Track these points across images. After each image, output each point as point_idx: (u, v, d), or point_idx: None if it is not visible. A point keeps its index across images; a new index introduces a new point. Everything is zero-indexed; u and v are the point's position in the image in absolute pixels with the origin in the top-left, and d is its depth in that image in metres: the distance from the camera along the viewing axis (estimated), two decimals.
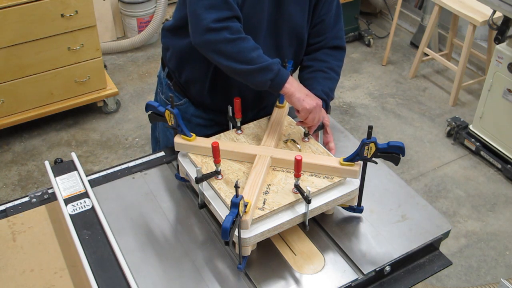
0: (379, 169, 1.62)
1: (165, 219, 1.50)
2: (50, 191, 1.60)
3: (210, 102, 1.76)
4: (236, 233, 1.27)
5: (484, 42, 3.90)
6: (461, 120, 3.41)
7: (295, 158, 1.33)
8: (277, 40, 1.66)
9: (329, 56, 1.74)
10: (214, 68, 1.64)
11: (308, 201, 1.35)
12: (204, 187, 1.46)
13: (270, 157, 1.50)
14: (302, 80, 1.73)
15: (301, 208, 1.40)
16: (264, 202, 1.38)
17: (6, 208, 1.56)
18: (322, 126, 1.63)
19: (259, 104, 1.80)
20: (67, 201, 1.53)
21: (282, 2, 1.59)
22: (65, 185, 1.59)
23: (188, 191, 1.59)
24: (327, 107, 1.67)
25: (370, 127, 1.33)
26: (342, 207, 1.51)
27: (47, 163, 1.67)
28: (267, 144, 1.55)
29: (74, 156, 1.69)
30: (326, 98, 1.64)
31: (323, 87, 1.66)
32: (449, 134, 3.46)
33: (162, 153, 1.74)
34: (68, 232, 1.44)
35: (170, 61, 1.76)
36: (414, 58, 4.04)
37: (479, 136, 3.26)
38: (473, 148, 3.29)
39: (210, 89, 1.71)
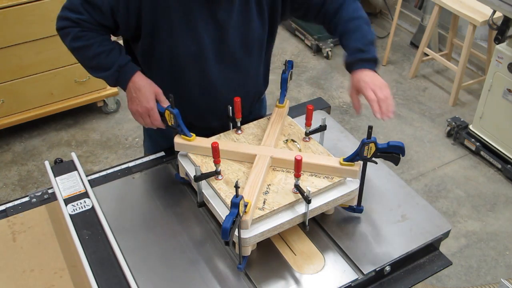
0: (379, 169, 1.62)
1: (165, 219, 1.50)
2: (50, 191, 1.60)
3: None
4: (236, 233, 1.27)
5: (484, 42, 3.90)
6: (461, 120, 3.41)
7: (295, 158, 1.33)
8: (233, 57, 1.59)
9: (339, 11, 1.58)
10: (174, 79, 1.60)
11: (308, 201, 1.35)
12: (204, 187, 1.46)
13: (270, 157, 1.49)
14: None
15: (301, 208, 1.40)
16: (264, 202, 1.38)
17: (6, 208, 1.56)
18: (325, 127, 1.60)
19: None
20: (67, 201, 1.53)
21: (223, 32, 1.52)
22: (65, 185, 1.59)
23: (188, 191, 1.59)
24: (360, 62, 1.49)
25: (370, 127, 1.33)
26: (342, 207, 1.51)
27: (47, 163, 1.67)
28: (267, 144, 1.55)
29: (74, 156, 1.69)
30: (359, 55, 1.50)
31: (352, 44, 1.53)
32: (449, 134, 3.46)
33: (162, 153, 1.74)
34: (68, 232, 1.44)
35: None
36: (414, 58, 4.04)
37: (479, 136, 3.26)
38: (473, 148, 3.29)
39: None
